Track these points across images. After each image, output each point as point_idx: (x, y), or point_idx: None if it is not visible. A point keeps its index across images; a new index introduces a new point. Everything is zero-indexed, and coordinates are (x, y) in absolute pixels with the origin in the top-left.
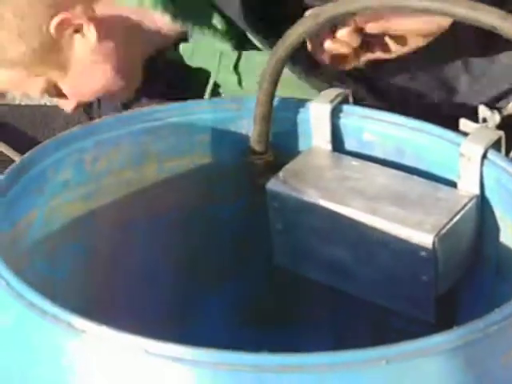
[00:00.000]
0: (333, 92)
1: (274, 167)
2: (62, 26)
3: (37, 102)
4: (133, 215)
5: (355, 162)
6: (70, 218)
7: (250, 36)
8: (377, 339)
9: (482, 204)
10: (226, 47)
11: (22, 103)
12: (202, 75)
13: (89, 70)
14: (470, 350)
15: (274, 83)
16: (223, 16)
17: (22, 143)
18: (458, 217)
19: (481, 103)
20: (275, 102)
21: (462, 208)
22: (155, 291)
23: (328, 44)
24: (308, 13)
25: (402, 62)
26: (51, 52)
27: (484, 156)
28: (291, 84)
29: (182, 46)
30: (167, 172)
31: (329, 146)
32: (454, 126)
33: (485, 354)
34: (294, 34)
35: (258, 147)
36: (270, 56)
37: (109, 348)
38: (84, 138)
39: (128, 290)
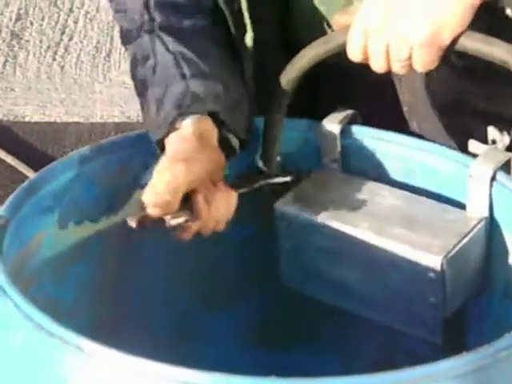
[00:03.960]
0: (341, 113)
1: (283, 188)
2: None
3: (47, 119)
4: (142, 236)
5: (364, 183)
6: (78, 238)
7: None
8: (385, 359)
9: (491, 226)
10: None
11: (32, 120)
12: None
13: None
14: (480, 375)
15: (283, 105)
16: None
17: (33, 158)
18: (466, 239)
19: None
20: (284, 123)
21: (471, 230)
22: (164, 311)
23: None
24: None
25: None
26: None
27: (493, 178)
28: None
29: None
30: None
31: (338, 167)
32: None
33: (495, 379)
34: (304, 57)
35: (266, 168)
36: (280, 78)
37: (117, 371)
38: (92, 158)
39: (137, 310)
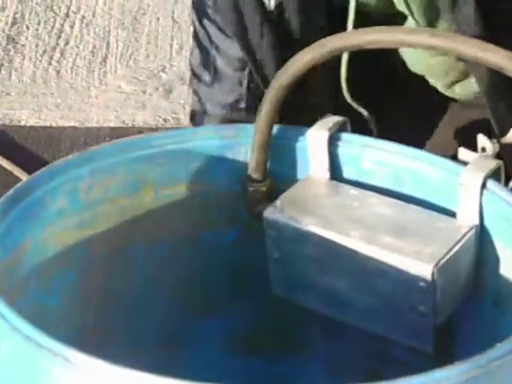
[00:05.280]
0: (330, 120)
1: (272, 195)
2: None
3: (42, 124)
4: (128, 243)
5: (353, 191)
6: (64, 245)
7: None
8: (374, 369)
9: (482, 234)
10: None
11: (28, 124)
12: None
13: None
14: None
15: (274, 110)
16: None
17: (29, 163)
18: (457, 247)
19: None
20: (273, 129)
21: (461, 238)
22: (150, 318)
23: None
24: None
25: None
26: None
27: (483, 185)
28: None
29: None
30: (163, 199)
31: (327, 175)
32: None
33: None
34: (298, 62)
35: (255, 175)
36: (271, 82)
37: (105, 382)
38: (79, 165)
39: (123, 317)
